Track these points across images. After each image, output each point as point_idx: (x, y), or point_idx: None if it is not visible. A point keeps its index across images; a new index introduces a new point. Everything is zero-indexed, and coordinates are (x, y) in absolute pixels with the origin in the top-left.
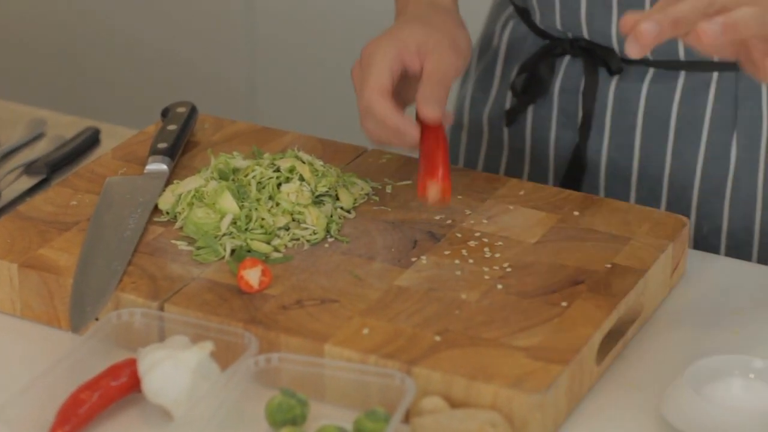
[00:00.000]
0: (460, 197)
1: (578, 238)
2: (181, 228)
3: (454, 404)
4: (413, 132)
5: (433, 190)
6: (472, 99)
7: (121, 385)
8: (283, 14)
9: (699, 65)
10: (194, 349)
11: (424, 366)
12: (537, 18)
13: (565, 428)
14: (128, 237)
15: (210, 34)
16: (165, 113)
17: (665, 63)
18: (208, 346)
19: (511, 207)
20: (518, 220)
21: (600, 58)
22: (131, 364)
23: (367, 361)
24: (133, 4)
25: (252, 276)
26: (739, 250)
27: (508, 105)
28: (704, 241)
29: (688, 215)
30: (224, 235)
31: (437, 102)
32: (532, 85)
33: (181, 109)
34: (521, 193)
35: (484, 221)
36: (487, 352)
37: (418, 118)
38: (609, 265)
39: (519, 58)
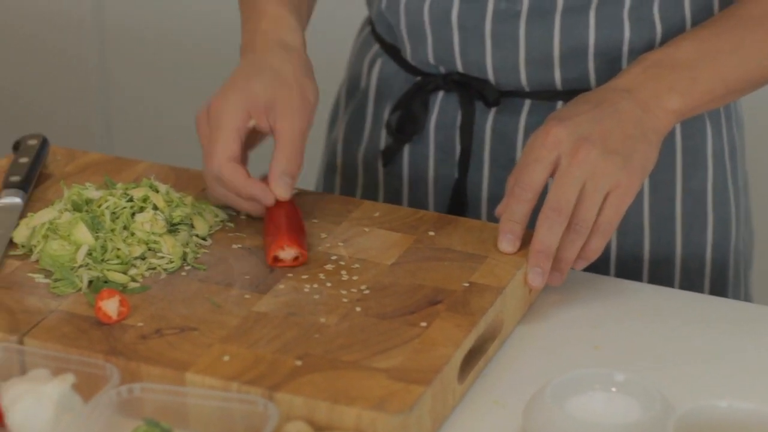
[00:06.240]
0: (315, 221)
1: (435, 258)
2: (37, 261)
3: (317, 428)
4: (269, 198)
5: (289, 254)
6: (345, 141)
7: None
8: (135, 41)
9: (576, 94)
10: (55, 382)
11: (286, 391)
12: (408, 54)
13: None
14: None
15: (61, 64)
16: (16, 146)
17: (542, 93)
18: (69, 379)
19: (367, 229)
20: (374, 242)
21: (476, 90)
22: None
23: (229, 388)
24: None
25: (110, 307)
26: (630, 276)
27: (383, 145)
28: (595, 269)
29: None
30: (80, 266)
31: (291, 178)
32: (406, 123)
33: (33, 142)
34: (376, 214)
35: (340, 244)
36: (348, 375)
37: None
38: (467, 284)
39: (391, 96)
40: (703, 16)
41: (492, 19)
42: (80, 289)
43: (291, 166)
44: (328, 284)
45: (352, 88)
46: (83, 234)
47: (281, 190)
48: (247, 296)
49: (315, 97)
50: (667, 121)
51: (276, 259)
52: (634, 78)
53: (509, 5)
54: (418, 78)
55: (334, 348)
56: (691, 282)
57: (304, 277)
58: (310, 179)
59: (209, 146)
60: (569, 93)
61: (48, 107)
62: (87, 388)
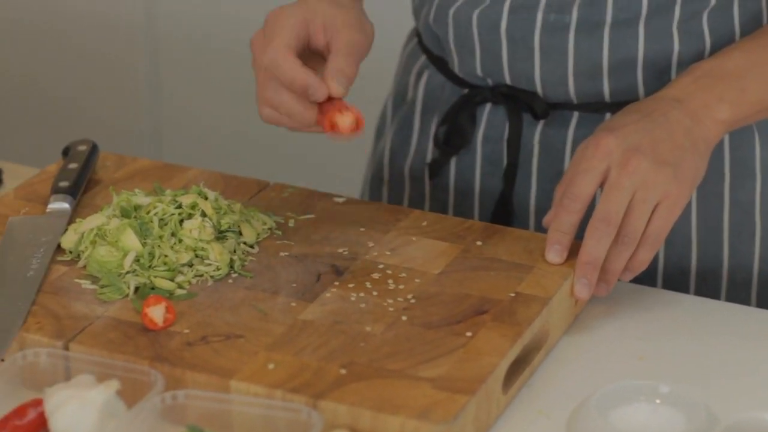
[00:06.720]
0: (362, 229)
1: (482, 267)
2: (84, 266)
3: None
4: (322, 90)
5: (347, 119)
6: (391, 153)
7: (28, 425)
8: (185, 48)
9: (624, 106)
10: (100, 387)
11: (330, 399)
12: (455, 66)
13: None
14: (32, 277)
15: (111, 71)
16: (66, 152)
17: (590, 105)
18: (113, 385)
19: (414, 238)
20: (421, 251)
21: (523, 103)
22: (38, 404)
23: (273, 396)
24: (32, 42)
25: (156, 313)
26: (676, 288)
27: (429, 157)
28: (642, 281)
29: None
30: (128, 272)
31: (347, 78)
32: (454, 135)
33: (82, 147)
34: (424, 224)
35: (388, 253)
36: (393, 384)
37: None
38: (513, 294)
39: (437, 108)
40: (751, 27)
41: (541, 31)
42: (127, 296)
43: (348, 67)
44: (375, 293)
45: (399, 100)
46: (131, 240)
47: (336, 84)
48: (293, 304)
49: (372, 32)
50: (716, 131)
51: (334, 126)
52: (684, 88)
53: (558, 17)
54: (466, 90)
55: (380, 357)
56: (738, 294)
57: (351, 285)
58: (355, 190)
59: (264, 44)
60: (618, 105)
61: (98, 113)
62: (131, 394)
